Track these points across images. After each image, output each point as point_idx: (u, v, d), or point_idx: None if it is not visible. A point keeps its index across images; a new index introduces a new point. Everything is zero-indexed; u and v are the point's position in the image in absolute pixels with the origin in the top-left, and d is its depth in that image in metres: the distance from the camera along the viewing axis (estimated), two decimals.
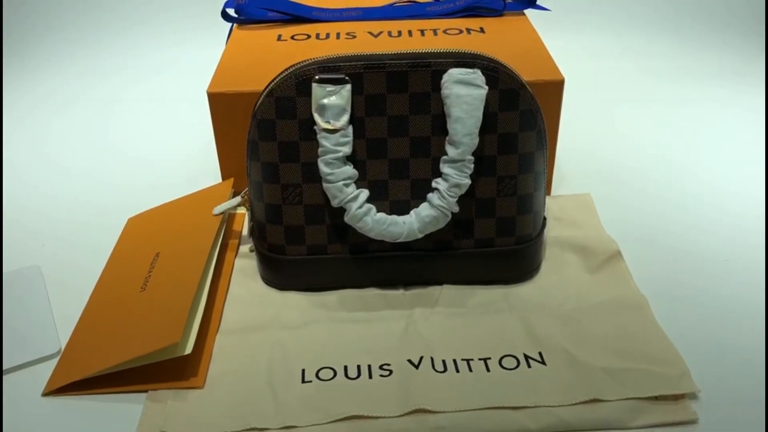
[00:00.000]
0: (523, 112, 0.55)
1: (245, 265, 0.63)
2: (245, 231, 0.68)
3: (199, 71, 1.07)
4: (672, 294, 0.60)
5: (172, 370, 0.51)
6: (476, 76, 0.52)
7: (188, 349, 0.50)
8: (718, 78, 1.02)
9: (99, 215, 0.72)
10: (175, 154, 0.85)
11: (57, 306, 0.59)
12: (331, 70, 0.53)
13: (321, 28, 0.80)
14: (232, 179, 0.70)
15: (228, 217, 0.69)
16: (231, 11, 0.82)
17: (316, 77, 0.53)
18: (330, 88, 0.53)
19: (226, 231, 0.67)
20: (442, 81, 0.53)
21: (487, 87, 0.53)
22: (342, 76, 0.53)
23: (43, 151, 0.86)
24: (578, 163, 0.80)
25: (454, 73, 0.52)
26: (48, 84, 1.05)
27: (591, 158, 0.81)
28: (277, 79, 0.54)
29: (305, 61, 0.54)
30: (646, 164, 0.80)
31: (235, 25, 0.82)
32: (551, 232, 0.66)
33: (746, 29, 1.15)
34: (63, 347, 0.54)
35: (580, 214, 0.69)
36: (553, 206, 0.70)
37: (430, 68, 0.53)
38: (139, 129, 0.91)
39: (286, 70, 0.54)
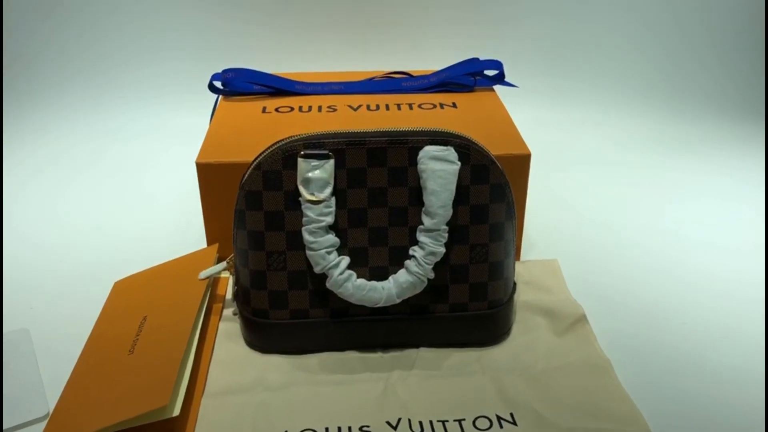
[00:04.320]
0: (493, 186, 0.59)
1: (229, 328, 0.66)
2: (229, 294, 0.70)
3: (185, 137, 1.10)
4: (634, 355, 0.63)
5: None
6: (450, 152, 0.57)
7: (176, 411, 0.52)
8: (681, 146, 1.09)
9: (86, 278, 0.74)
10: (162, 218, 0.87)
11: (45, 369, 0.61)
12: (316, 146, 0.57)
13: (303, 101, 0.84)
14: (217, 244, 0.73)
15: (212, 281, 0.72)
16: (218, 84, 0.86)
17: (302, 152, 0.57)
18: (314, 162, 0.57)
19: (211, 294, 0.70)
20: (419, 157, 0.57)
21: (459, 163, 0.57)
22: (326, 151, 0.57)
23: (32, 214, 0.88)
24: (546, 231, 0.85)
25: (430, 150, 0.57)
26: (41, 149, 1.08)
27: (559, 225, 0.86)
28: (265, 153, 0.58)
29: (292, 137, 0.58)
30: (609, 231, 0.85)
31: (221, 96, 0.86)
32: (521, 296, 0.70)
33: (709, 99, 1.23)
34: (51, 410, 0.56)
35: (548, 278, 0.73)
36: (522, 271, 0.74)
37: (407, 145, 0.58)
38: (127, 193, 0.94)
39: (273, 144, 0.58)
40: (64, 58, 1.20)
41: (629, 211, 0.90)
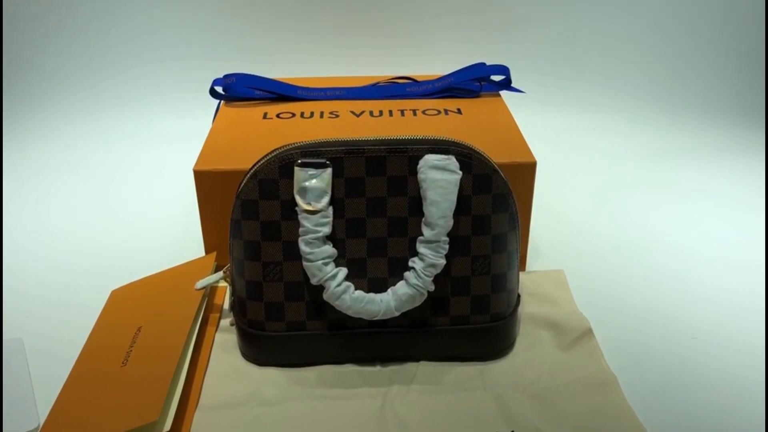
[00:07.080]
0: (495, 196, 0.57)
1: (225, 339, 0.64)
2: (226, 305, 0.69)
3: (186, 142, 1.09)
4: (641, 371, 0.61)
5: None
6: (450, 162, 0.55)
7: (167, 427, 0.50)
8: (692, 155, 1.07)
9: (82, 286, 0.73)
10: (160, 225, 0.86)
11: (39, 378, 0.60)
12: (313, 154, 0.56)
13: (305, 106, 0.83)
14: (215, 253, 0.71)
15: (210, 290, 0.70)
16: (219, 89, 0.85)
17: (299, 161, 0.55)
18: (312, 171, 0.55)
19: (208, 304, 0.68)
20: (419, 166, 0.56)
21: (461, 172, 0.56)
22: (323, 160, 0.55)
23: (28, 221, 0.87)
24: (553, 240, 0.83)
25: (430, 158, 0.55)
26: (37, 154, 1.07)
27: (565, 235, 0.84)
28: (261, 162, 0.57)
29: (289, 144, 0.57)
30: (618, 240, 0.83)
31: (222, 102, 0.85)
32: (526, 308, 0.68)
33: (723, 107, 1.21)
34: (42, 423, 0.55)
35: (553, 290, 0.71)
36: (527, 282, 0.72)
37: (407, 153, 0.56)
38: (125, 200, 0.93)
39: (270, 153, 0.57)
40: (61, 61, 1.20)
41: (637, 220, 0.88)
